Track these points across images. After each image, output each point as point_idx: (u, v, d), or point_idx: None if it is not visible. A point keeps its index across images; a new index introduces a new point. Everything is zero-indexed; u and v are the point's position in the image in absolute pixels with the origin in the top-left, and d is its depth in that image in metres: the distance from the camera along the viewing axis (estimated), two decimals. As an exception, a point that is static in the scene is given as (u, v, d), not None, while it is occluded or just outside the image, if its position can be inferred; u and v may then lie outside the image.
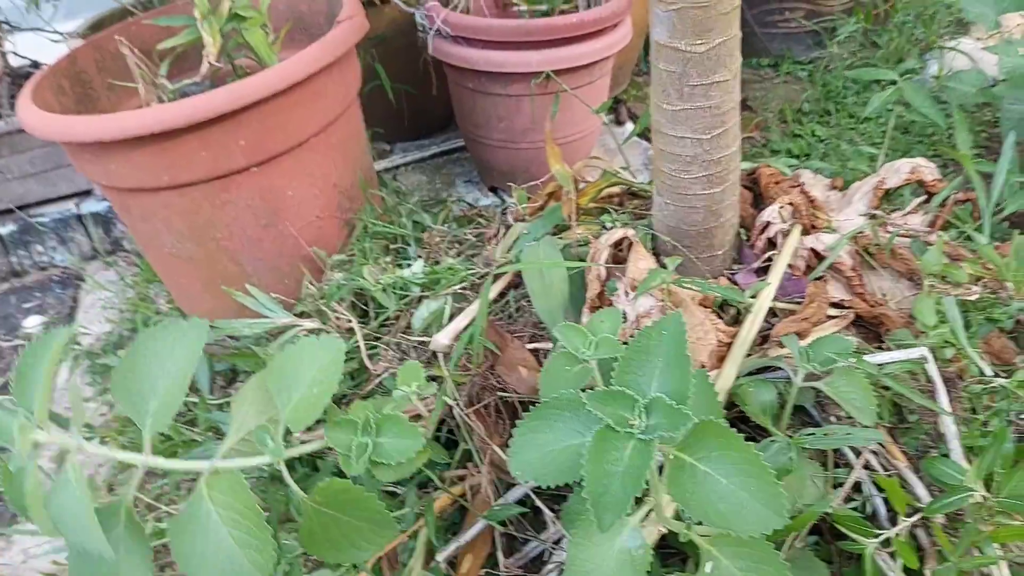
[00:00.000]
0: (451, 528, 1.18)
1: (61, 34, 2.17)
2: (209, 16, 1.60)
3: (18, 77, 2.20)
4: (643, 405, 0.72)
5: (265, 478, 1.13)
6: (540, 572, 1.07)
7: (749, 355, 1.08)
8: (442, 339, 1.13)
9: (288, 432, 0.83)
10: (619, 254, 1.23)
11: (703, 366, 1.06)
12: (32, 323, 2.02)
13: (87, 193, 2.23)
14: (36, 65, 2.24)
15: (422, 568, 1.07)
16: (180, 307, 1.80)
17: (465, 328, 1.16)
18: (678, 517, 0.94)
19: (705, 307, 1.13)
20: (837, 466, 1.08)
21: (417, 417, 1.05)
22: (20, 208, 2.18)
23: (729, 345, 1.09)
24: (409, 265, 1.48)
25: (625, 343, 0.82)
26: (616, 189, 1.51)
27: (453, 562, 1.12)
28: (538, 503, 1.06)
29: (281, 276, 1.63)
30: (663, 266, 1.16)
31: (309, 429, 0.84)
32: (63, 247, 2.21)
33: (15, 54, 2.19)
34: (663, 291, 1.09)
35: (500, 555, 1.07)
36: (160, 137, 1.38)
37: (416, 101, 2.26)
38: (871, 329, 1.21)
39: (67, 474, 0.71)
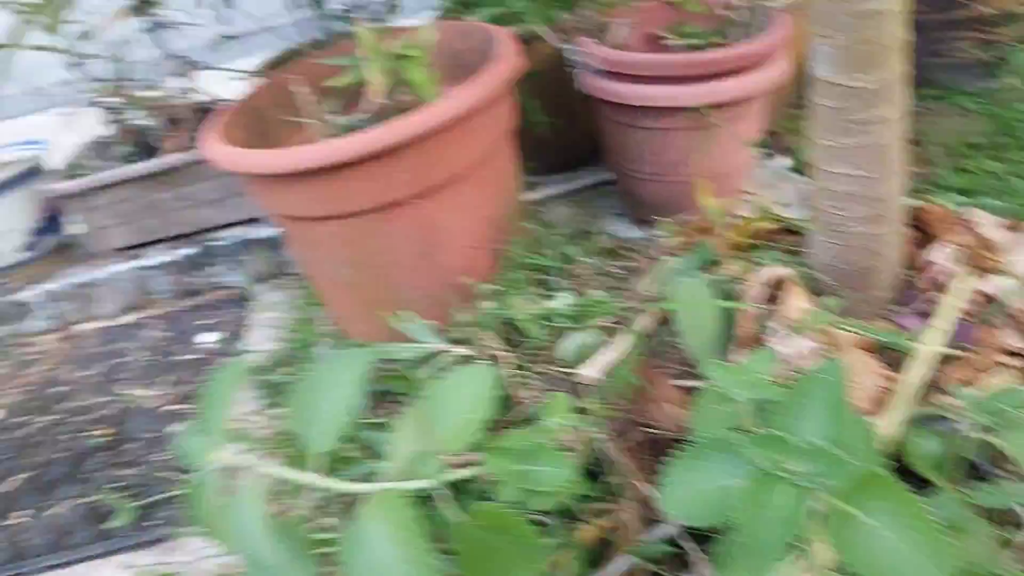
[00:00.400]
0: (592, 562, 1.18)
1: (242, 72, 2.36)
2: (374, 56, 1.70)
3: (200, 111, 2.40)
4: (800, 451, 0.71)
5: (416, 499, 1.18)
6: (684, 612, 1.06)
7: (912, 402, 1.03)
8: (590, 372, 1.15)
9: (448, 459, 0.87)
10: (773, 292, 1.21)
11: (862, 412, 1.02)
12: (207, 339, 2.18)
13: (257, 220, 2.40)
14: (218, 100, 2.43)
15: (564, 599, 1.08)
16: (339, 329, 1.90)
17: (613, 362, 1.17)
18: (835, 566, 0.91)
19: (865, 350, 1.09)
20: (1010, 524, 1.02)
21: (565, 448, 1.07)
22: (200, 232, 2.38)
23: (891, 391, 1.05)
24: (555, 296, 1.50)
25: (779, 384, 0.81)
26: (769, 225, 1.48)
27: (596, 596, 1.13)
28: (684, 543, 1.05)
29: (433, 303, 1.69)
30: (819, 306, 1.13)
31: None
32: (236, 269, 2.38)
33: (200, 90, 2.39)
34: (820, 332, 1.06)
35: (644, 593, 1.07)
36: (329, 170, 1.48)
37: (565, 134, 2.30)
38: (1050, 380, 1.13)
39: (245, 491, 0.78)
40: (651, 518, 1.13)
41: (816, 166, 1.19)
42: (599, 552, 1.19)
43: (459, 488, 1.19)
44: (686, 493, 0.78)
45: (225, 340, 2.16)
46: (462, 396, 0.85)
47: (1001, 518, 1.03)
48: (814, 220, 1.24)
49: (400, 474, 0.83)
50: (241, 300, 2.33)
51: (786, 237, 1.49)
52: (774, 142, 2.50)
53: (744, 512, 0.69)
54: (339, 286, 1.74)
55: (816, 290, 1.27)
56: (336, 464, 1.39)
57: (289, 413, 0.84)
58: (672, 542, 1.07)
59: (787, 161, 2.30)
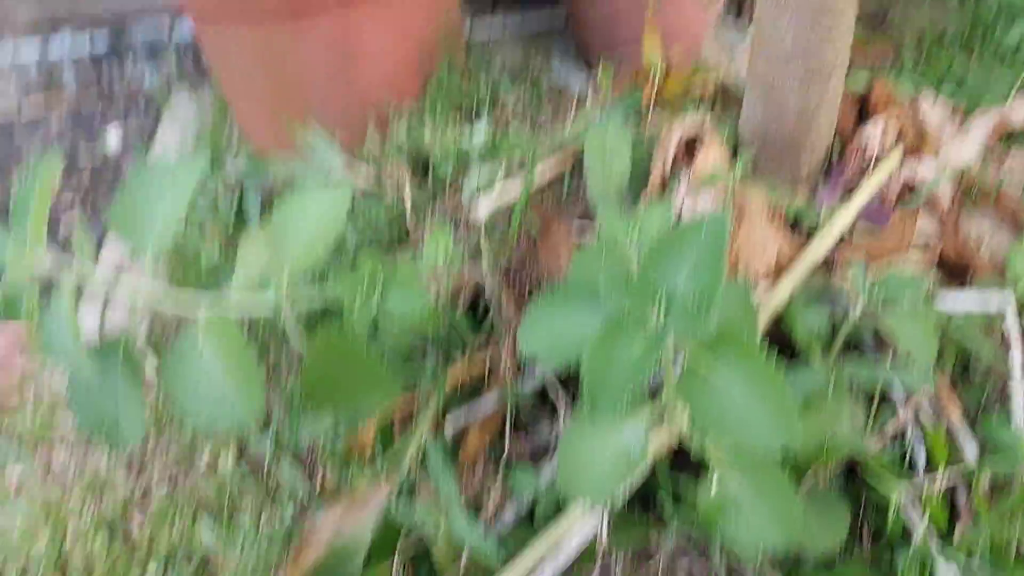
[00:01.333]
0: (469, 403, 1.16)
1: None
2: None
3: None
4: (663, 303, 0.66)
5: (276, 325, 1.12)
6: (545, 459, 1.05)
7: (808, 275, 0.99)
8: (481, 209, 1.08)
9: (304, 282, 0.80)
10: (693, 147, 1.13)
11: (756, 278, 0.97)
12: (113, 137, 2.05)
13: (180, 15, 2.22)
14: None
15: (429, 432, 1.05)
16: (248, 139, 1.78)
17: (509, 202, 1.09)
18: (694, 430, 0.89)
19: (774, 217, 1.04)
20: (885, 402, 1.01)
21: (438, 283, 1.01)
22: (117, 22, 2.19)
23: (791, 263, 1.00)
24: (473, 130, 1.41)
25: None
26: (707, 81, 1.39)
27: (463, 433, 1.10)
28: (553, 391, 1.02)
29: (348, 123, 1.58)
30: (733, 164, 1.07)
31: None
32: (153, 68, 2.22)
33: None
34: (728, 192, 1.00)
35: (508, 435, 1.04)
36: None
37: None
38: (955, 275, 1.10)
39: (59, 299, 0.70)
40: (526, 364, 1.09)
41: (759, 18, 1.09)
42: (475, 394, 1.17)
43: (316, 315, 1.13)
44: (545, 333, 0.74)
45: (132, 139, 2.02)
46: (314, 215, 0.78)
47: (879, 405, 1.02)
48: (750, 79, 1.15)
49: (241, 293, 0.77)
50: (154, 101, 2.17)
51: (724, 98, 1.40)
52: (747, 2, 2.37)
53: (591, 356, 0.64)
54: (248, 96, 1.62)
55: (738, 150, 1.20)
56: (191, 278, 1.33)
57: (115, 219, 0.76)
58: (542, 389, 1.04)
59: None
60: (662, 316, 0.65)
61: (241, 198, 1.49)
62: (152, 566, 1.21)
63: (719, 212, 0.69)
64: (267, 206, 1.52)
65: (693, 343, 0.66)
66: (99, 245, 1.66)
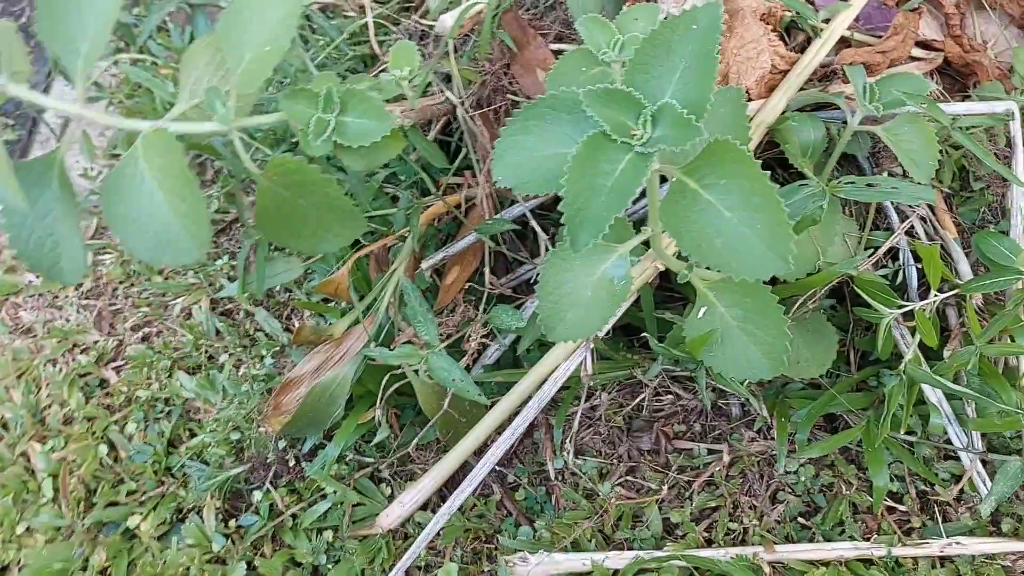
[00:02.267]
0: (446, 240, 1.11)
1: None
2: None
3: None
4: (650, 113, 0.59)
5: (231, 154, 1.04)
6: (527, 296, 1.01)
7: (807, 88, 0.92)
8: (447, 20, 0.98)
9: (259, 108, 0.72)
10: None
11: (748, 93, 0.90)
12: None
13: None
14: None
15: (406, 272, 1.01)
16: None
17: (478, 15, 0.99)
18: (681, 257, 0.85)
19: (767, 24, 0.95)
20: (877, 229, 0.96)
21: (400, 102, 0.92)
22: None
23: (785, 74, 0.92)
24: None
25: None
26: None
27: (441, 272, 1.06)
28: (532, 223, 0.97)
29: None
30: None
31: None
32: None
33: None
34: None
35: (487, 271, 1.00)
36: None
37: None
38: (958, 80, 1.03)
39: None
40: (509, 198, 1.03)
41: None
42: (452, 231, 1.11)
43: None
44: (520, 159, 0.67)
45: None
46: (262, 23, 0.68)
47: (873, 221, 0.97)
48: None
49: (184, 113, 0.69)
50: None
51: None
52: None
53: (570, 180, 0.58)
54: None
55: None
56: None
57: (41, 29, 0.66)
58: (522, 220, 0.99)
59: None
60: (649, 127, 0.59)
61: (192, 25, 1.37)
62: (133, 416, 1.19)
63: (709, 3, 0.61)
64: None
65: (682, 156, 0.60)
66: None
